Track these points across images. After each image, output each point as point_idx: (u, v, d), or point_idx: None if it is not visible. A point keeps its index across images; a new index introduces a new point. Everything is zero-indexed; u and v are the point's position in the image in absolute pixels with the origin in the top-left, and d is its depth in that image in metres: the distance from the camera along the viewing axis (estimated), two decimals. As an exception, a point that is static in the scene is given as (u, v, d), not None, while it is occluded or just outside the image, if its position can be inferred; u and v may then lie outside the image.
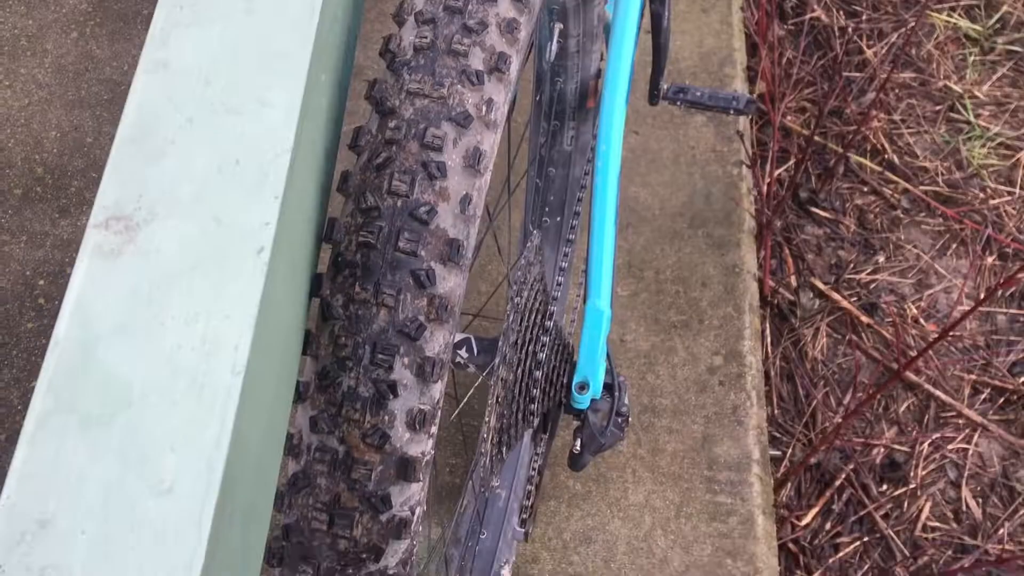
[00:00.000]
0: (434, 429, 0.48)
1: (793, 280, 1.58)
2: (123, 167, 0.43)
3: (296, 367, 0.48)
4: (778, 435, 1.46)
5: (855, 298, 1.57)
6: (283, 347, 0.44)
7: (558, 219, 1.04)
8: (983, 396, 1.50)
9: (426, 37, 0.50)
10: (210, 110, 0.44)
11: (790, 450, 1.44)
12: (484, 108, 0.49)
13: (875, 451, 1.45)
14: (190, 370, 0.36)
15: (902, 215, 1.64)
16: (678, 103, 1.07)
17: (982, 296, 1.58)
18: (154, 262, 0.39)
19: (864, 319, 1.55)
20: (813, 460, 1.40)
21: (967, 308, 1.56)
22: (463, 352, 0.76)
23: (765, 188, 1.61)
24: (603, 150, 0.76)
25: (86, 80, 1.34)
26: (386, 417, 0.47)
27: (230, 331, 0.37)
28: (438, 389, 0.47)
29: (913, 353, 1.52)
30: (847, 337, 1.54)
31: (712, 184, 1.23)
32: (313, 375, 0.48)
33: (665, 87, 1.11)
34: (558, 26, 0.87)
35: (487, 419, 0.68)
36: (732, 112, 1.07)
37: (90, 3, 1.40)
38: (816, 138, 1.68)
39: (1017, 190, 1.65)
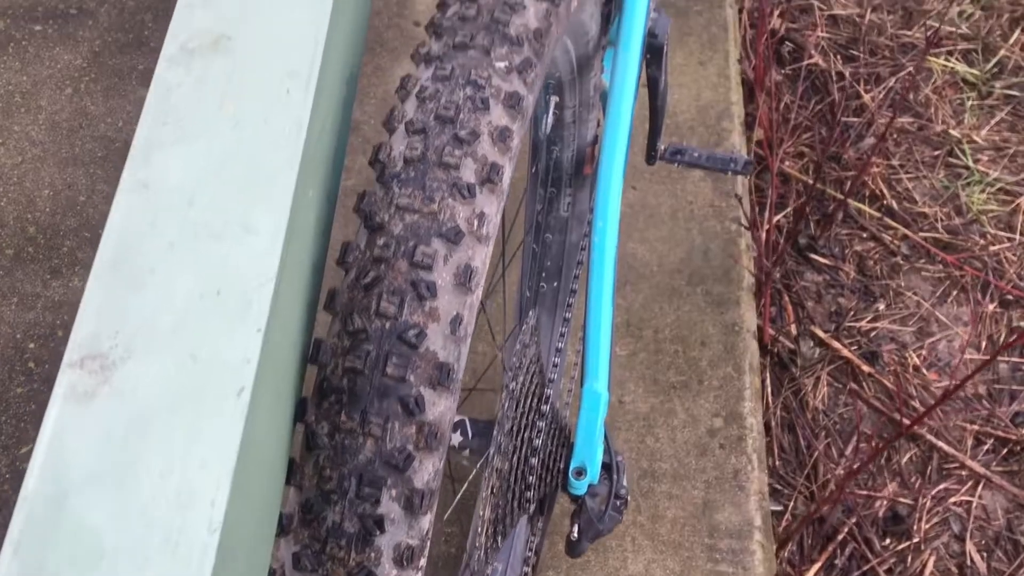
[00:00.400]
0: (423, 562, 0.46)
1: (793, 328, 1.57)
2: (102, 297, 0.41)
3: (279, 499, 0.46)
4: (779, 487, 1.44)
5: (856, 347, 1.56)
6: (265, 483, 0.42)
7: (555, 284, 1.03)
8: (986, 447, 1.48)
9: (416, 148, 0.49)
10: (192, 234, 0.43)
11: (792, 503, 1.42)
12: (476, 222, 0.48)
13: (878, 503, 1.43)
14: (164, 525, 0.35)
15: (902, 261, 1.63)
16: (676, 164, 1.06)
17: (983, 344, 1.57)
18: (130, 404, 0.38)
19: (865, 368, 1.54)
20: (816, 516, 1.38)
21: (969, 358, 1.55)
22: (458, 435, 0.75)
23: (764, 235, 1.60)
24: (600, 226, 0.75)
25: (80, 137, 1.33)
26: (372, 554, 0.45)
27: (207, 483, 0.36)
28: (427, 520, 0.46)
29: (915, 403, 1.51)
30: (848, 387, 1.53)
31: (710, 240, 1.22)
32: (297, 507, 0.47)
33: (662, 147, 1.10)
34: (554, 99, 0.86)
35: (481, 512, 0.66)
36: (730, 173, 1.06)
37: (85, 58, 1.39)
38: (812, 181, 1.68)
39: (1017, 236, 1.64)
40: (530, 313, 0.75)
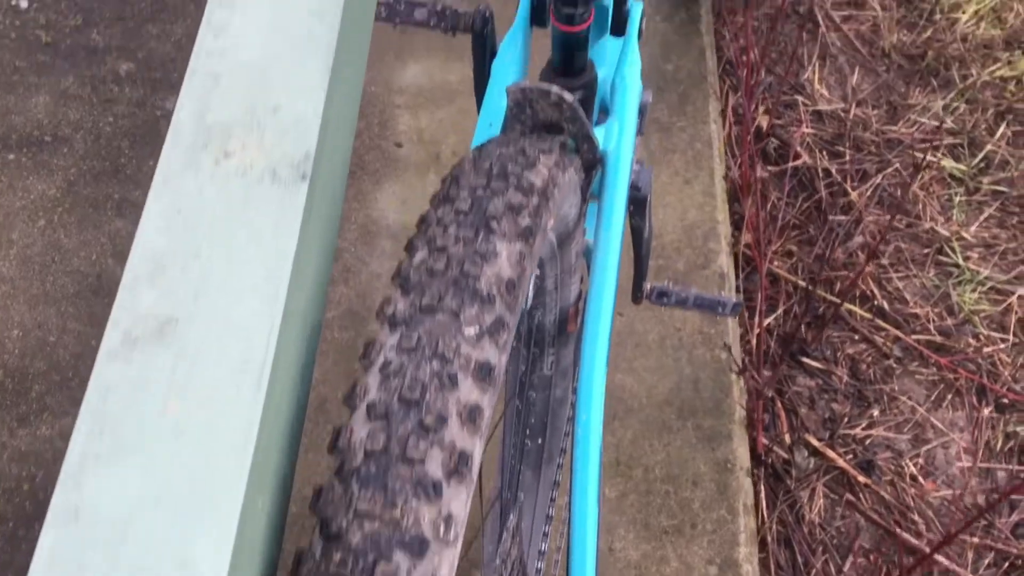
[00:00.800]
0: None
1: (787, 437, 1.54)
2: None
3: None
4: (777, 607, 1.40)
5: (851, 455, 1.53)
6: None
7: (540, 441, 0.99)
8: (987, 561, 1.45)
9: (378, 439, 0.46)
10: (123, 578, 0.39)
11: (791, 625, 1.38)
12: (442, 526, 0.44)
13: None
14: None
15: (895, 365, 1.60)
16: (662, 305, 1.03)
17: (980, 452, 1.54)
18: None
19: (861, 478, 1.50)
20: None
21: (968, 466, 1.52)
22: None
23: (754, 340, 1.57)
24: (583, 419, 0.72)
25: (52, 272, 1.29)
26: None
27: None
28: None
29: (914, 516, 1.47)
30: (844, 498, 1.49)
31: (700, 369, 1.19)
32: None
33: (648, 287, 1.08)
34: (535, 273, 0.84)
35: None
36: (718, 315, 1.03)
37: (59, 188, 1.37)
38: (803, 283, 1.65)
39: (1010, 337, 1.61)
40: (511, 516, 0.72)
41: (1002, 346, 1.61)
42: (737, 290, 1.57)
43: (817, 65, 1.88)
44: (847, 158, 1.78)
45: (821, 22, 1.92)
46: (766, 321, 1.62)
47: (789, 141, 1.79)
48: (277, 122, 0.51)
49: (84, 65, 1.41)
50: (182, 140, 0.51)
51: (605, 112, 0.86)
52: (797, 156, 1.76)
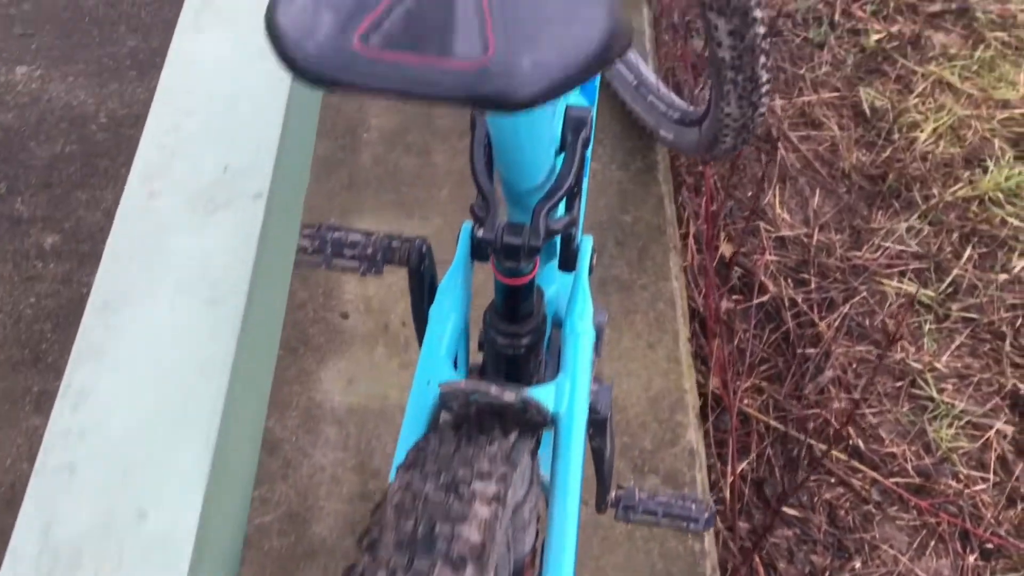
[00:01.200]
0: None
1: (766, 595, 1.46)
2: None
3: None
4: None
5: (835, 613, 1.45)
6: None
7: None
8: None
9: None
10: None
11: None
12: None
13: None
14: None
15: (874, 510, 1.54)
16: (627, 523, 0.96)
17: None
18: None
19: (847, 639, 1.43)
20: None
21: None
22: None
23: (728, 492, 1.50)
24: None
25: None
26: None
27: None
28: None
29: None
30: (831, 662, 1.41)
31: (672, 563, 1.11)
32: None
33: (612, 496, 1.00)
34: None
35: None
36: (690, 530, 0.96)
37: (-28, 379, 1.26)
38: (775, 423, 1.59)
39: (991, 476, 1.56)
40: None
41: (983, 486, 1.55)
42: (707, 436, 1.50)
43: (777, 188, 1.84)
44: (812, 286, 1.73)
45: (779, 143, 1.89)
46: (740, 467, 1.54)
47: (753, 270, 1.73)
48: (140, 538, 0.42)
49: (7, 238, 1.31)
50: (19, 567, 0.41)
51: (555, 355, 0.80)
52: (763, 287, 1.71)
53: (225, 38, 0.67)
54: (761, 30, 1.04)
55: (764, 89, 1.11)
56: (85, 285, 1.27)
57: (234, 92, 0.64)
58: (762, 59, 1.07)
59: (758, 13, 1.02)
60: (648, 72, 1.53)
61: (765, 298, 1.69)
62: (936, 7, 2.03)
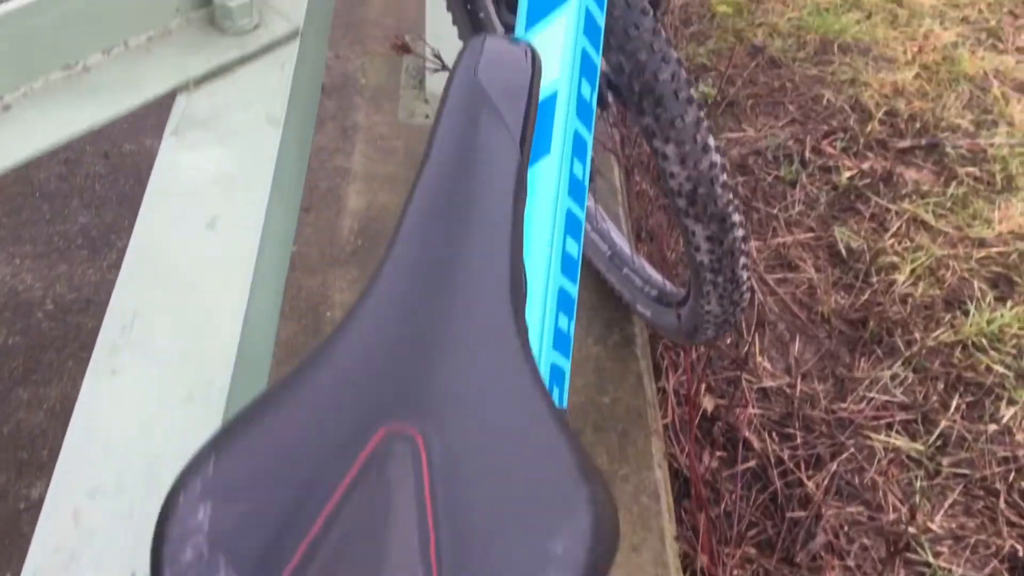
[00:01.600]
0: None
1: None
2: None
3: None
4: None
5: None
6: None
7: None
8: None
9: None
10: None
11: None
12: None
13: None
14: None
15: None
16: None
17: None
18: None
19: None
20: None
21: None
22: None
23: None
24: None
25: None
26: None
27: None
28: None
29: None
30: None
31: None
32: None
33: None
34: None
35: None
36: None
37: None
38: (768, 597, 1.50)
39: (996, 650, 1.47)
40: None
41: (988, 662, 1.47)
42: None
43: (757, 335, 1.78)
44: (798, 441, 1.66)
45: (756, 287, 1.84)
46: (732, 648, 1.45)
47: (736, 425, 1.66)
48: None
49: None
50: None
51: None
52: (748, 443, 1.64)
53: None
54: (740, 233, 0.99)
55: (745, 288, 1.06)
56: (23, 499, 1.14)
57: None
58: (742, 260, 1.02)
59: (736, 217, 0.97)
60: (622, 241, 1.47)
61: (752, 463, 1.61)
62: (906, 143, 2.02)
